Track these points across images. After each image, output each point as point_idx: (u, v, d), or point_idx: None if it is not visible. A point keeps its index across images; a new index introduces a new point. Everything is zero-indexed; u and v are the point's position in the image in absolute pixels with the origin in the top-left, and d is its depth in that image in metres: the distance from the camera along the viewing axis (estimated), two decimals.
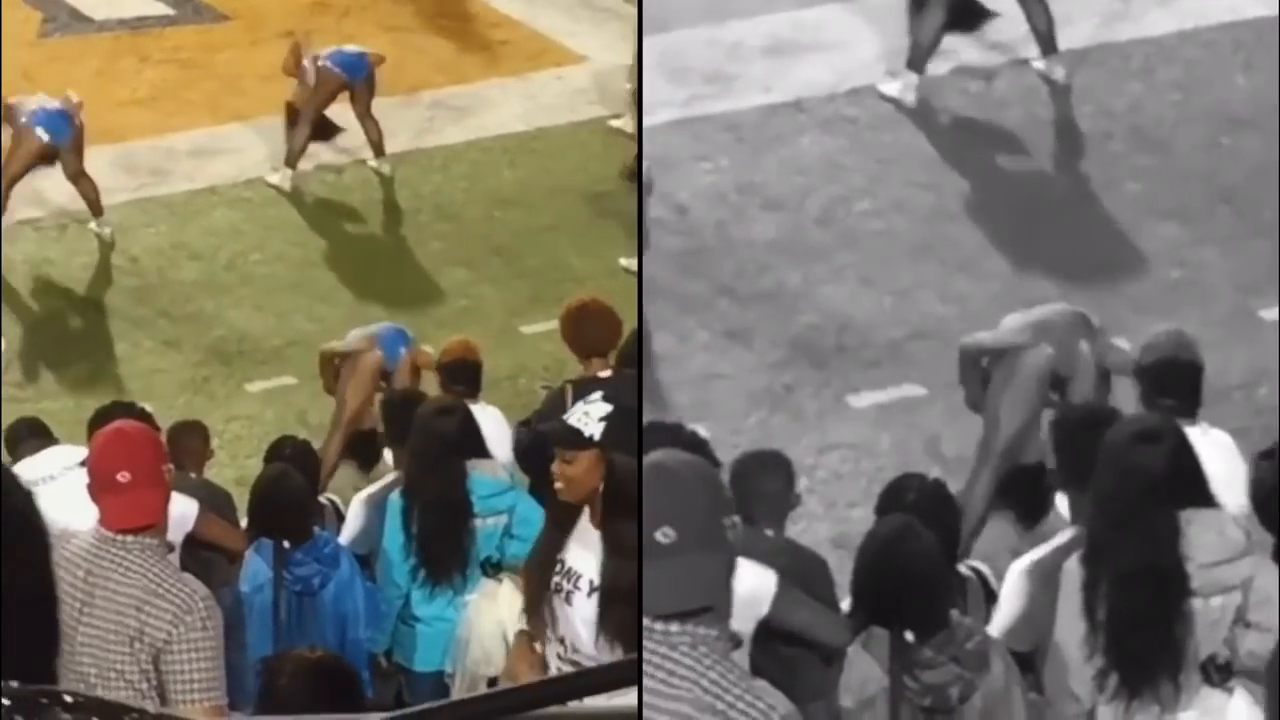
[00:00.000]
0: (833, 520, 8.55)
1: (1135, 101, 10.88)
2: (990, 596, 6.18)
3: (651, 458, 3.79)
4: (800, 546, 6.54)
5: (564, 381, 8.58)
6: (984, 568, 6.50)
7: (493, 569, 7.57)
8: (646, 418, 6.94)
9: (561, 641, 5.75)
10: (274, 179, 13.24)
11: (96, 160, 13.06)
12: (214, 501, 8.09)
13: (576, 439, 5.75)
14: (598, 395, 5.90)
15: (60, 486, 6.58)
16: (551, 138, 13.89)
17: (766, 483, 6.39)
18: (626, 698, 3.94)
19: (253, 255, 12.74)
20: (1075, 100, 10.94)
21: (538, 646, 5.98)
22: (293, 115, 13.05)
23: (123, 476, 5.22)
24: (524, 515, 7.51)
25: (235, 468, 10.38)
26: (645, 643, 3.70)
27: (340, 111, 13.22)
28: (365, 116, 13.18)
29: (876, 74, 11.13)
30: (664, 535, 3.66)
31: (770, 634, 5.95)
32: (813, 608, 6.05)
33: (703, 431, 6.30)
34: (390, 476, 8.16)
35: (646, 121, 10.87)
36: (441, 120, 14.09)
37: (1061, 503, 6.09)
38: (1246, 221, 10.15)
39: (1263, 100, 10.68)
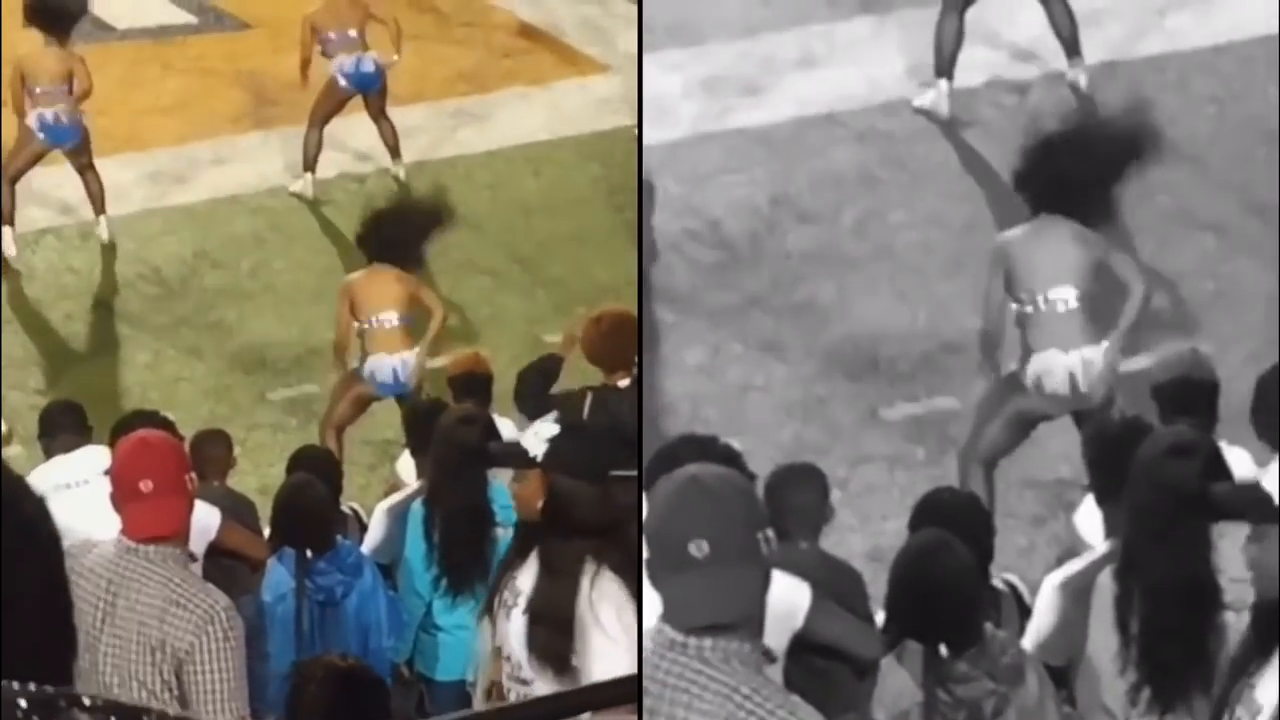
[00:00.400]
0: (866, 533, 8.51)
1: (1169, 115, 10.81)
2: (1024, 610, 6.14)
3: (686, 471, 3.75)
4: (834, 559, 6.52)
5: (584, 387, 8.55)
6: (1018, 582, 6.47)
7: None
8: (678, 430, 6.91)
9: (508, 659, 5.70)
10: (296, 187, 13.22)
11: (119, 169, 13.06)
12: (237, 510, 8.07)
13: (522, 459, 5.76)
14: (550, 416, 6.03)
15: (93, 491, 6.54)
16: (574, 147, 13.87)
17: (801, 496, 6.38)
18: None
19: (275, 264, 12.72)
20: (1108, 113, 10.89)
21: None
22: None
23: (145, 485, 5.20)
24: None
25: (257, 476, 10.36)
26: (679, 657, 3.66)
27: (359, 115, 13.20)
28: (380, 117, 13.16)
29: (910, 87, 11.10)
30: (697, 549, 3.63)
31: (804, 647, 5.93)
32: (847, 620, 6.02)
33: (736, 444, 6.25)
34: (413, 486, 8.12)
35: (679, 134, 10.86)
36: (464, 129, 14.07)
37: (1096, 517, 6.03)
38: None
39: None
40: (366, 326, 10.58)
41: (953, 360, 9.56)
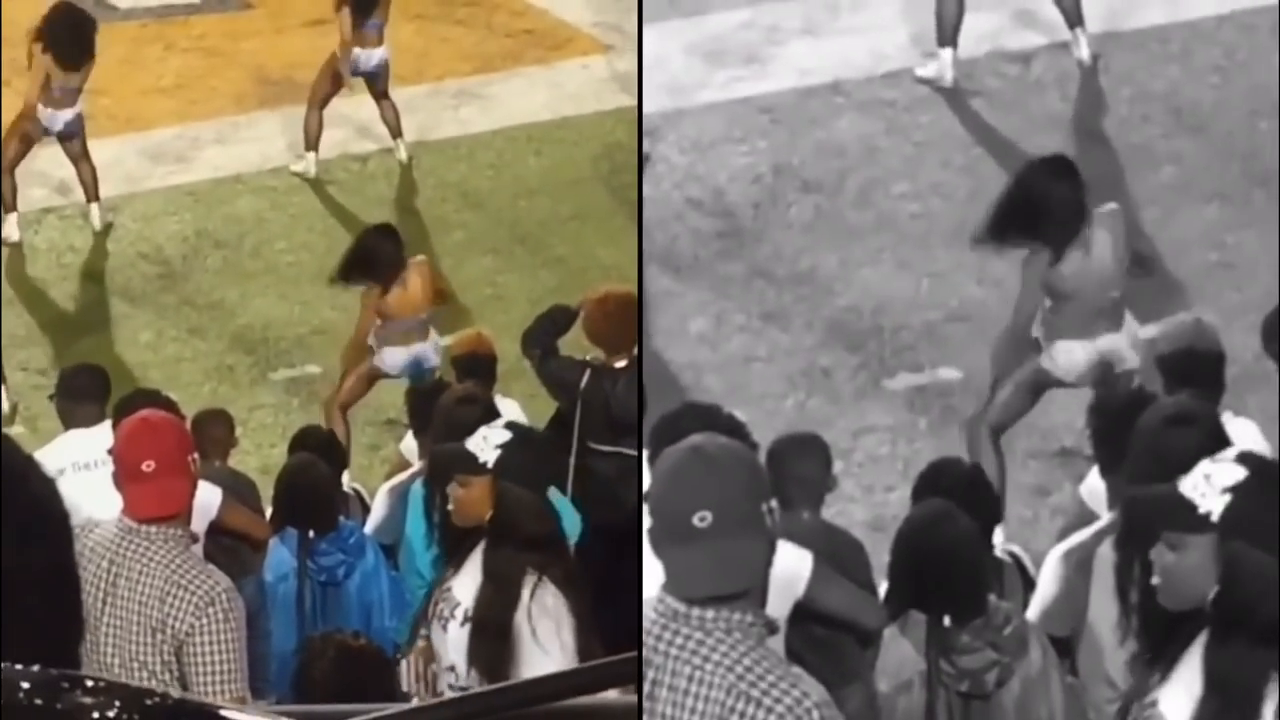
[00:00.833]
0: (869, 503, 8.51)
1: (1173, 84, 10.79)
2: (1028, 581, 6.13)
3: (690, 441, 3.76)
4: (836, 529, 6.52)
5: (584, 360, 8.53)
6: (1022, 552, 6.46)
7: None
8: (682, 400, 6.89)
9: (450, 669, 5.62)
10: (298, 167, 13.20)
11: (121, 148, 13.03)
12: (238, 490, 8.07)
13: (471, 464, 5.63)
14: (500, 423, 5.85)
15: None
16: (576, 127, 13.83)
17: (803, 466, 6.38)
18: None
19: (277, 244, 12.69)
20: (1114, 83, 10.86)
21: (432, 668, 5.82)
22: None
23: (147, 466, 5.20)
24: None
25: (259, 456, 10.34)
26: (681, 627, 3.67)
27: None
28: (381, 99, 13.12)
29: (914, 56, 11.08)
30: (700, 519, 3.62)
31: (806, 616, 5.93)
32: (849, 590, 6.02)
33: (739, 414, 6.23)
34: (415, 466, 8.11)
35: (684, 103, 10.84)
36: (466, 109, 14.04)
37: (1102, 487, 6.01)
38: None
39: None
40: (383, 325, 10.48)
41: (955, 330, 9.55)
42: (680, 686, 3.65)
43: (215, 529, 7.57)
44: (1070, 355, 8.18)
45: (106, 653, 5.16)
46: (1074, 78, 10.94)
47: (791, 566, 5.77)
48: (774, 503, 3.72)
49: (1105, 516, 5.75)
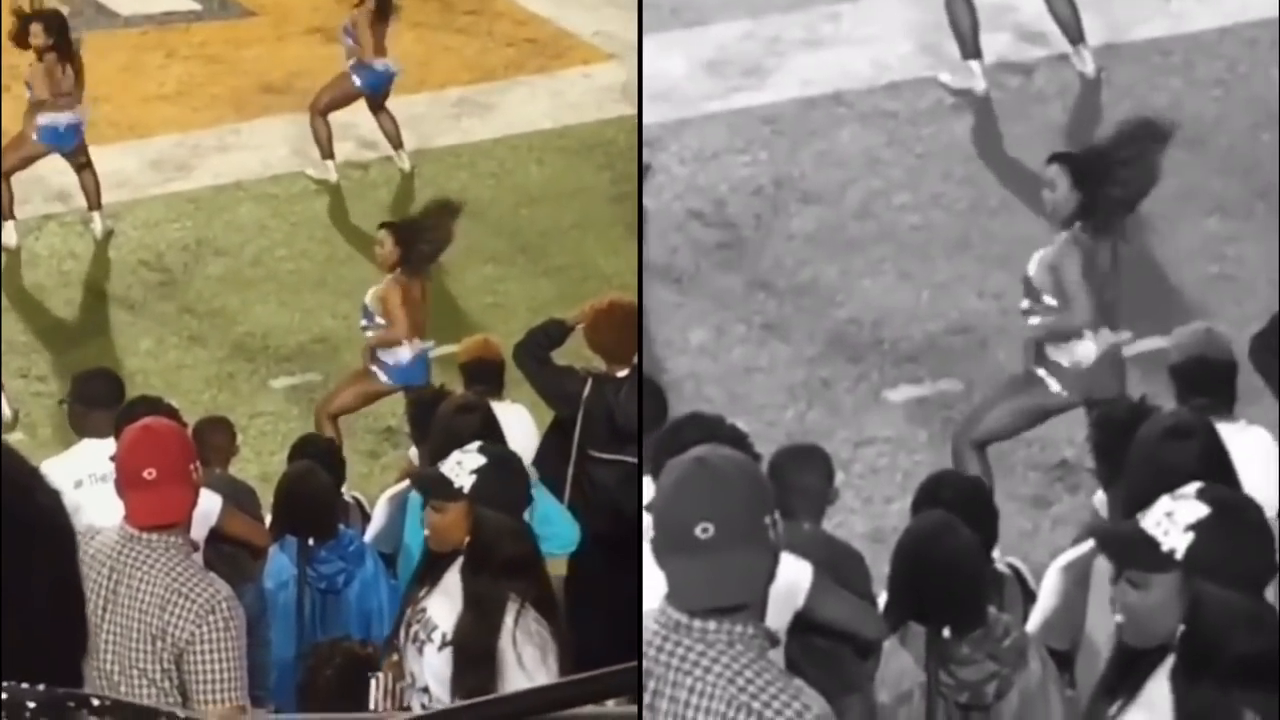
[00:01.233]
0: (868, 515, 8.51)
1: (1175, 97, 10.79)
2: (1027, 594, 6.13)
3: (694, 453, 3.76)
4: (837, 540, 6.52)
5: (585, 370, 8.53)
6: (1021, 565, 6.46)
7: None
8: (684, 410, 6.88)
9: (426, 691, 5.57)
10: (316, 173, 13.21)
11: (122, 156, 13.03)
12: (239, 497, 8.05)
13: (446, 489, 5.56)
14: (474, 446, 5.72)
15: None
16: (578, 135, 13.84)
17: (805, 477, 6.37)
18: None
19: (278, 251, 12.70)
20: (1115, 95, 10.86)
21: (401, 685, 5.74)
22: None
23: (149, 474, 5.19)
24: (544, 513, 7.43)
25: (259, 464, 10.35)
26: (683, 639, 3.67)
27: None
28: (379, 111, 13.14)
29: (916, 67, 11.07)
30: (703, 530, 3.62)
31: (806, 627, 5.92)
32: (849, 601, 6.02)
33: (740, 425, 6.23)
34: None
35: (685, 114, 10.83)
36: (468, 117, 14.05)
37: (1100, 501, 6.02)
38: None
39: None
40: (379, 325, 10.51)
41: (956, 342, 9.54)
42: (681, 698, 3.65)
43: (215, 536, 7.56)
44: (1064, 352, 8.17)
45: (106, 660, 5.15)
46: (1075, 90, 10.94)
47: (792, 577, 5.76)
48: (777, 515, 3.72)
49: None
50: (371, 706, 5.75)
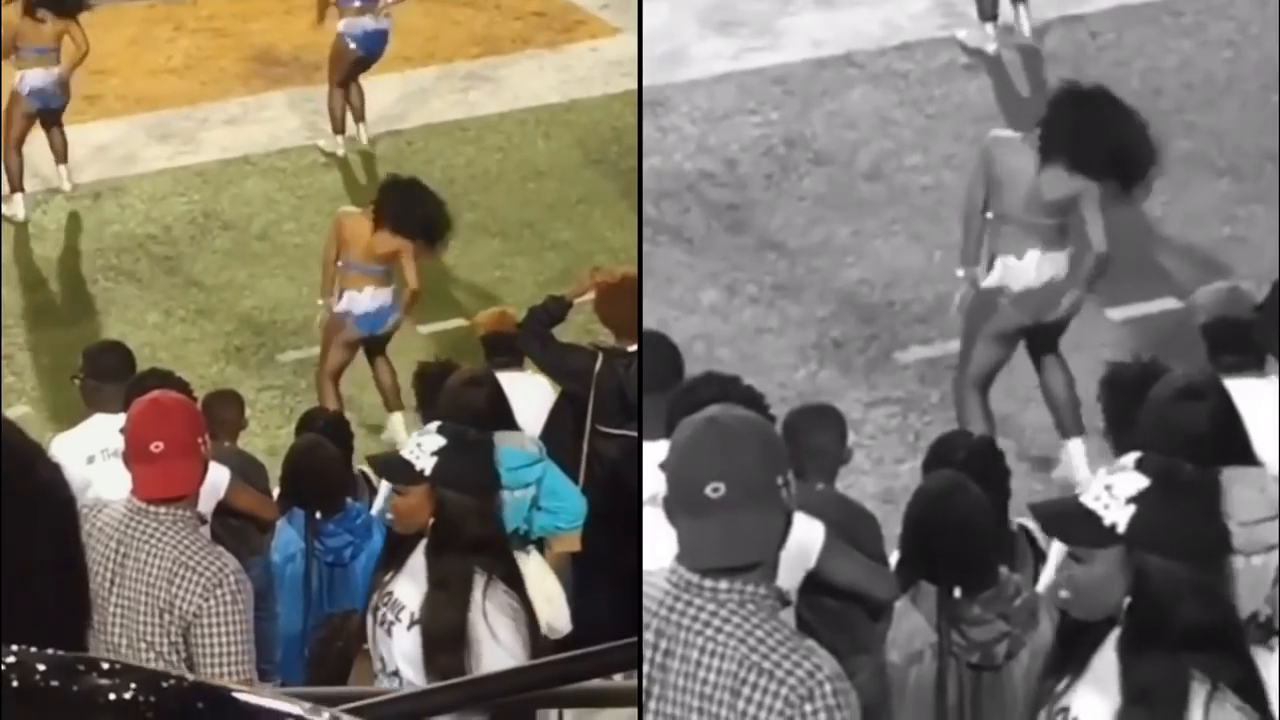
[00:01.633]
0: (880, 475, 8.50)
1: (1186, 58, 10.77)
2: (1038, 554, 6.12)
3: (706, 412, 3.76)
4: (849, 500, 6.51)
5: (595, 346, 8.53)
6: (1033, 525, 6.45)
7: (520, 541, 7.51)
8: (698, 369, 6.87)
9: (396, 674, 5.57)
10: (328, 145, 13.21)
11: (129, 129, 13.04)
12: (246, 471, 8.07)
13: (407, 472, 5.51)
14: (433, 427, 5.66)
15: None
16: (585, 109, 13.83)
17: (819, 437, 6.36)
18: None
19: (285, 225, 12.71)
20: (1126, 57, 10.83)
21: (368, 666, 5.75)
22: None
23: (156, 447, 5.19)
24: (552, 487, 7.45)
25: (267, 437, 10.36)
26: (694, 599, 3.67)
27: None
28: (351, 82, 13.13)
29: (927, 27, 11.05)
30: (713, 490, 3.62)
31: (817, 587, 5.91)
32: (860, 561, 6.01)
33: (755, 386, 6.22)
34: None
35: (696, 74, 10.80)
36: (475, 92, 14.04)
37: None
38: None
39: None
40: (342, 265, 10.63)
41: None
42: (692, 658, 3.65)
43: (222, 510, 7.57)
44: (1012, 267, 8.23)
45: (114, 632, 5.16)
46: (1087, 51, 10.91)
47: (803, 537, 5.73)
48: (790, 475, 3.70)
49: None
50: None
